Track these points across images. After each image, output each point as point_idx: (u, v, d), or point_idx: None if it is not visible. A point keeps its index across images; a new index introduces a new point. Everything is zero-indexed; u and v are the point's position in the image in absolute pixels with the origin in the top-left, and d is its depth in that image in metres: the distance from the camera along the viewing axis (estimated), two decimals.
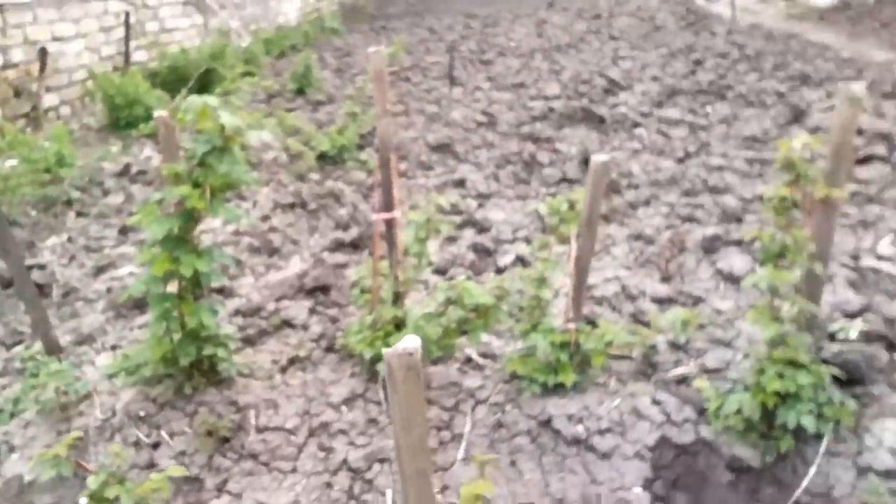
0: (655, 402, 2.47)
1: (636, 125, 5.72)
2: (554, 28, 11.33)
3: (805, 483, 2.23)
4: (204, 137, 2.39)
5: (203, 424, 2.56)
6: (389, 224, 2.63)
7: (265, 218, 4.45)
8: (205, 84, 7.03)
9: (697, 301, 3.28)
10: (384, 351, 1.20)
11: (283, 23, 11.86)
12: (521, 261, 3.71)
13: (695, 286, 3.41)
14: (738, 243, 3.75)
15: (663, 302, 3.29)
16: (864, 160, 4.66)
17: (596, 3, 13.37)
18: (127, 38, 7.23)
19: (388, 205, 2.59)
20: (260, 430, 2.63)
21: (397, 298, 2.68)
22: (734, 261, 3.52)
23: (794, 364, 2.22)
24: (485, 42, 10.51)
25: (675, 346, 2.90)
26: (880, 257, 3.48)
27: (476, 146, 5.66)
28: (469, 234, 4.17)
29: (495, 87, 7.63)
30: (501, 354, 2.77)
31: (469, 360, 2.88)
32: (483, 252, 3.84)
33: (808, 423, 2.17)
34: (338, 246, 4.06)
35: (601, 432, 2.42)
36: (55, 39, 6.42)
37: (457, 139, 5.77)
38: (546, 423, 2.46)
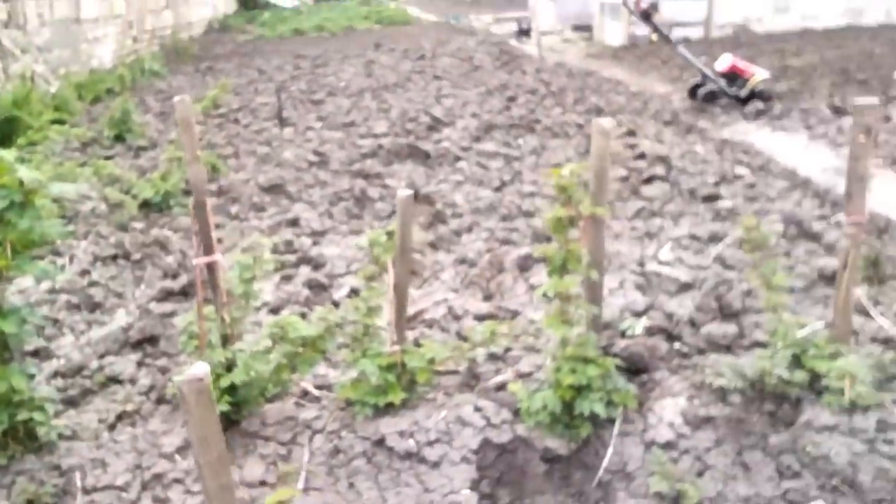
0: (477, 409, 2.72)
1: (458, 159, 6.15)
2: (382, 68, 11.77)
3: (605, 463, 2.57)
4: (1, 193, 2.30)
5: (22, 494, 2.41)
6: (211, 268, 2.67)
7: (84, 272, 4.22)
8: (7, 134, 6.50)
9: (515, 314, 3.62)
10: (174, 379, 1.30)
11: (97, 66, 11.22)
12: (355, 293, 3.85)
13: (512, 301, 3.77)
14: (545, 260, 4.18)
15: (484, 318, 3.59)
16: (648, 180, 5.39)
17: (420, 44, 14.08)
18: None
19: (207, 249, 2.63)
20: (87, 491, 2.52)
21: (226, 341, 2.72)
22: (544, 276, 3.92)
23: (584, 360, 2.57)
24: (315, 82, 10.67)
25: (494, 357, 3.19)
26: (661, 262, 4.06)
27: (309, 185, 5.76)
28: (304, 272, 4.25)
29: (326, 127, 7.79)
30: (338, 384, 2.88)
31: (306, 393, 2.97)
32: (318, 287, 3.94)
33: (599, 409, 2.51)
34: (166, 295, 3.96)
35: (430, 443, 2.61)
36: None
37: (289, 179, 5.84)
38: (380, 443, 2.61)
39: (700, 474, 2.53)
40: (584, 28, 14.86)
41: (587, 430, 2.59)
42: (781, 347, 2.82)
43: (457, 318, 3.62)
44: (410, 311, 3.78)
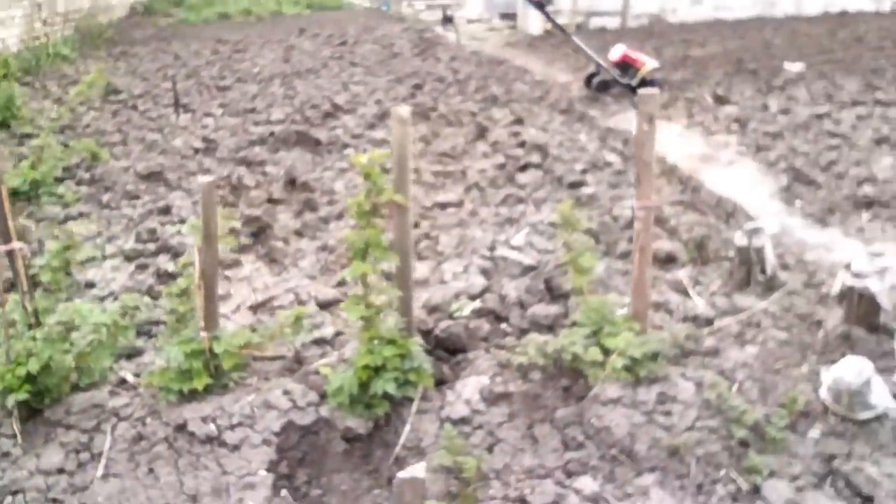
0: (285, 392, 2.79)
1: (346, 146, 6.18)
2: (301, 54, 11.66)
3: (402, 440, 2.67)
4: None
5: None
6: (11, 255, 2.66)
7: None
8: None
9: None
10: None
11: (0, 49, 10.77)
12: None
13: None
14: None
15: (330, 304, 3.66)
16: (524, 167, 5.53)
17: (345, 30, 13.97)
18: None
19: (5, 236, 2.62)
20: None
21: (30, 328, 2.71)
22: None
23: (387, 341, 2.66)
24: (228, 68, 10.51)
25: (324, 341, 3.26)
26: (512, 247, 4.20)
27: (190, 173, 5.71)
28: (162, 260, 4.24)
29: (228, 113, 7.71)
30: (146, 371, 2.91)
31: (124, 381, 2.99)
32: (166, 276, 3.94)
33: (391, 388, 2.61)
34: (10, 286, 3.89)
35: (232, 427, 2.67)
36: None
37: (170, 167, 5.77)
38: (182, 428, 2.65)
39: (490, 448, 2.66)
40: (510, 16, 14.96)
41: (384, 408, 2.68)
42: (582, 326, 2.98)
43: (301, 303, 3.68)
44: (260, 297, 3.83)
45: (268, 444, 2.65)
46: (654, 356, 2.84)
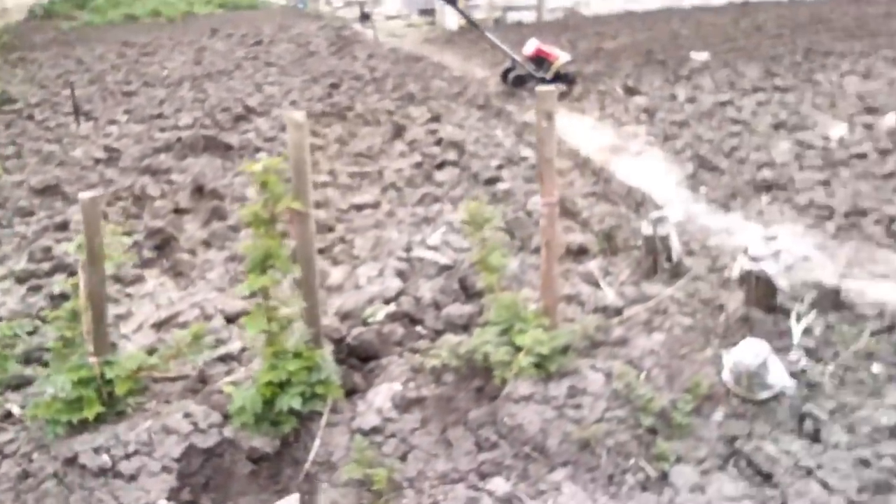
0: (186, 416, 2.65)
1: (258, 150, 5.99)
2: (214, 55, 11.28)
3: (311, 456, 2.59)
4: None
5: None
6: None
7: None
8: None
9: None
10: None
11: None
12: None
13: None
14: (321, 251, 4.17)
15: (238, 316, 3.52)
16: (440, 165, 5.50)
17: (260, 30, 13.60)
18: None
19: None
20: None
21: None
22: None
23: (289, 355, 2.57)
24: (134, 72, 10.06)
25: (231, 357, 3.13)
26: (429, 247, 4.16)
27: (91, 185, 5.40)
28: (57, 280, 3.98)
29: (133, 120, 7.36)
30: (31, 403, 2.71)
31: (9, 414, 2.78)
32: (60, 298, 3.70)
33: (297, 404, 2.52)
34: None
35: (128, 456, 2.51)
36: None
37: (68, 179, 5.45)
38: (72, 462, 2.49)
39: (404, 456, 2.61)
40: (429, 12, 14.91)
41: (292, 424, 2.59)
42: (494, 325, 2.97)
43: (208, 318, 3.52)
44: (164, 314, 3.65)
45: (168, 472, 2.52)
46: (564, 350, 2.86)
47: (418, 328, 3.34)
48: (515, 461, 2.62)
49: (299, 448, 2.64)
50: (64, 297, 3.71)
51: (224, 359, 3.10)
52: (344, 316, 3.32)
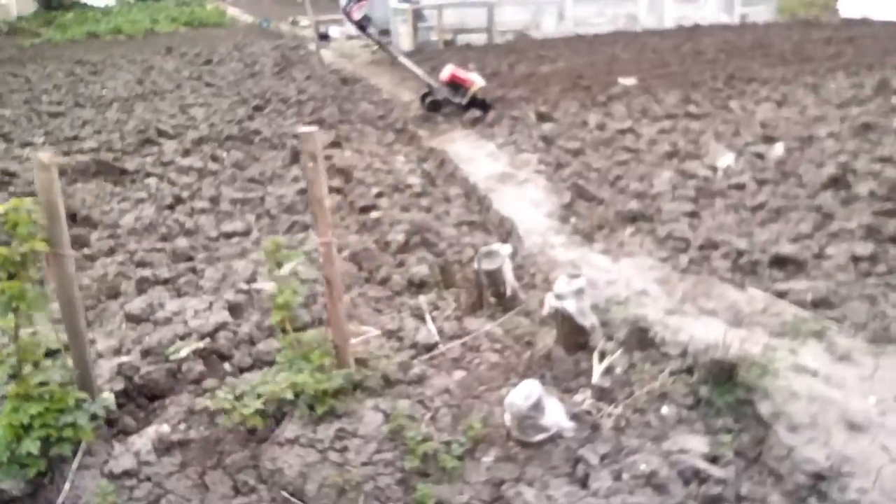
0: None
1: (149, 175, 6.00)
2: (159, 75, 11.34)
3: (61, 499, 2.56)
4: None
5: None
6: None
7: None
8: None
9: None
10: None
11: None
12: None
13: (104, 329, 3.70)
14: (166, 281, 4.17)
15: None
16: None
17: (215, 48, 13.69)
18: None
19: None
20: None
21: None
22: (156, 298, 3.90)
23: (33, 397, 2.55)
24: (73, 92, 10.09)
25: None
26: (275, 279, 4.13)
27: None
28: None
29: (49, 142, 7.37)
30: None
31: None
32: None
33: (34, 448, 2.50)
34: None
35: None
36: None
37: None
38: None
39: (157, 500, 2.58)
40: (387, 33, 15.02)
41: (38, 468, 2.56)
42: (280, 363, 2.96)
43: None
44: None
45: None
46: (337, 392, 2.84)
47: (225, 365, 3.32)
48: None
49: (52, 490, 2.61)
50: None
51: None
52: (146, 352, 3.30)
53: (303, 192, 5.57)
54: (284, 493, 2.63)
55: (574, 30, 13.14)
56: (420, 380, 3.14)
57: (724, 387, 2.96)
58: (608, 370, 3.18)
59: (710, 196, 5.14)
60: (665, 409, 2.96)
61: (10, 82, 11.27)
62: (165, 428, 2.78)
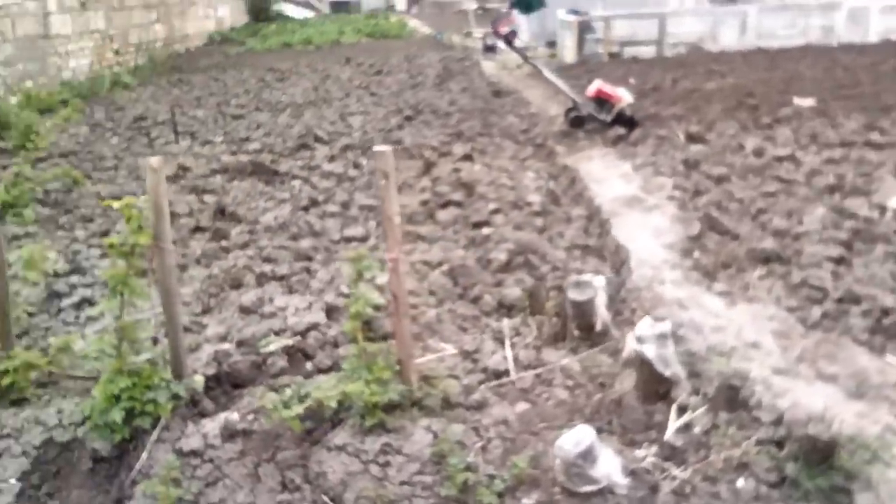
0: (59, 411, 3.07)
1: (294, 177, 6.50)
2: (334, 84, 12.22)
3: (138, 466, 2.87)
4: None
5: None
6: None
7: None
8: None
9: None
10: None
11: (70, 78, 12.10)
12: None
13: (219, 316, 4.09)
14: (281, 279, 4.50)
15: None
16: (445, 205, 5.60)
17: (388, 60, 14.48)
18: None
19: None
20: None
21: None
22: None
23: (126, 372, 2.89)
24: (259, 97, 11.20)
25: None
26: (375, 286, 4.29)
27: None
28: (75, 280, 4.68)
29: (226, 141, 8.28)
30: None
31: None
32: None
33: (118, 417, 2.82)
34: None
35: (2, 438, 2.98)
36: None
37: (132, 192, 6.32)
38: None
39: (215, 482, 2.80)
40: (553, 44, 14.91)
41: (122, 434, 2.89)
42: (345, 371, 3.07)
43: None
44: None
45: (26, 456, 2.95)
46: (391, 406, 2.88)
47: (307, 364, 3.51)
48: None
49: (134, 458, 2.94)
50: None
51: None
52: (241, 342, 3.59)
53: (425, 203, 5.72)
54: (325, 498, 2.73)
55: (756, 43, 12.08)
56: (480, 406, 3.09)
57: (819, 467, 2.56)
58: (685, 427, 2.89)
59: (868, 241, 4.46)
60: (741, 482, 2.62)
61: (211, 86, 12.79)
62: (235, 416, 3.00)
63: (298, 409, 2.84)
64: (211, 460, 2.85)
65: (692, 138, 6.85)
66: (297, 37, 18.10)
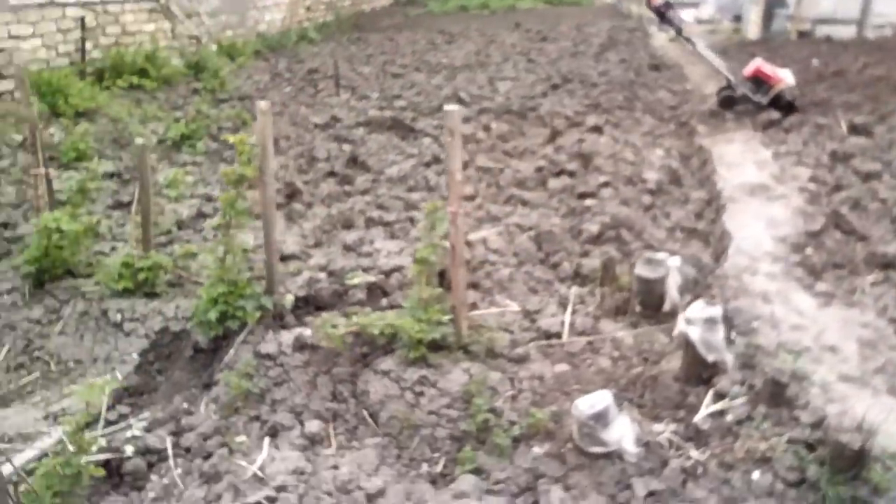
0: (178, 307, 3.73)
1: (426, 135, 6.86)
2: (497, 48, 12.41)
3: (225, 359, 3.42)
4: None
5: None
6: (39, 177, 4.00)
7: None
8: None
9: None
10: None
11: (264, 31, 13.47)
12: None
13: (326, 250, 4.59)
14: (387, 224, 4.90)
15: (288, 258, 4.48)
16: (559, 173, 5.64)
17: (557, 26, 14.33)
18: (83, 39, 8.98)
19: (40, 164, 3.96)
20: None
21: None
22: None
23: (226, 282, 3.42)
24: (422, 58, 11.71)
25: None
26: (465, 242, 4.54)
27: (299, 143, 6.94)
28: None
29: (381, 97, 8.87)
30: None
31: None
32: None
33: (213, 316, 3.36)
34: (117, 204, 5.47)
35: (133, 320, 3.70)
36: (11, 38, 8.20)
37: (285, 135, 7.07)
38: (105, 313, 3.76)
39: (281, 383, 3.27)
40: (739, 18, 13.82)
41: (216, 331, 3.45)
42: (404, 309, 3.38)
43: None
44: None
45: (147, 338, 3.63)
46: (432, 344, 3.15)
47: (383, 300, 3.87)
48: (351, 418, 3.08)
49: (226, 351, 3.50)
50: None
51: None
52: (332, 272, 4.03)
53: (539, 170, 5.80)
54: (365, 412, 3.08)
55: None
56: (521, 360, 3.25)
57: (844, 475, 2.43)
58: (718, 414, 2.84)
59: None
60: (757, 475, 2.56)
61: (384, 45, 13.54)
62: (308, 332, 3.44)
63: (341, 331, 3.20)
64: (281, 365, 3.32)
65: (855, 130, 6.18)
66: (474, 1, 18.40)
